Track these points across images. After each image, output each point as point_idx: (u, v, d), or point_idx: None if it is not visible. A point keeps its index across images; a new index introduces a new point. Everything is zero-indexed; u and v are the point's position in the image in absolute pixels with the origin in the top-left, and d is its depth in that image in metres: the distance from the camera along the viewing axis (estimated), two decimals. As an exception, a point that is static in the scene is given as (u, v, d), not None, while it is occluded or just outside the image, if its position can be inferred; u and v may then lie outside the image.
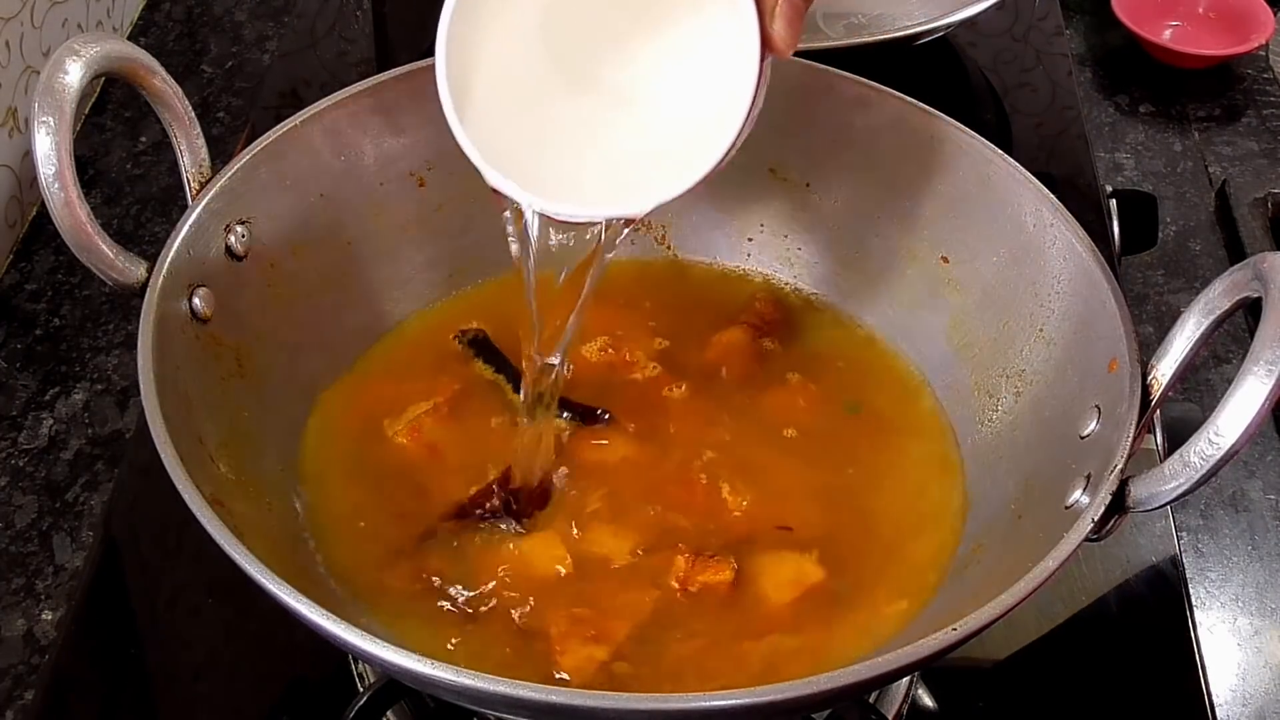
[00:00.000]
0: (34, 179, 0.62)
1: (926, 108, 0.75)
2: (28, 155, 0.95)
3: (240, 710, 0.71)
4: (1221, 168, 1.08)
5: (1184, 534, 0.82)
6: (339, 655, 0.70)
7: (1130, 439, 0.57)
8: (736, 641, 0.63)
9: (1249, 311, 0.55)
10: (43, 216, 0.98)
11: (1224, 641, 0.78)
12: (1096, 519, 0.55)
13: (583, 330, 0.69)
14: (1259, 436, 0.87)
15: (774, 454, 0.72)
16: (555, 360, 0.66)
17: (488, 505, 0.68)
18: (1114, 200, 0.99)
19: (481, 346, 0.77)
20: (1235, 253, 1.00)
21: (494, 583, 0.65)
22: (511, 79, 0.63)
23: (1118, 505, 0.56)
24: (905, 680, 0.71)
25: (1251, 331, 0.54)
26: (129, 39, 1.12)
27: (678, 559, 0.65)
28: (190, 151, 0.68)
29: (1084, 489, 0.58)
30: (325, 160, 0.74)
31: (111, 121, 1.08)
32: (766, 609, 0.65)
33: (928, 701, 0.71)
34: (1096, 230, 0.86)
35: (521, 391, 0.69)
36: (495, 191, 0.62)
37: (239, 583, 0.53)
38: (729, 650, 0.63)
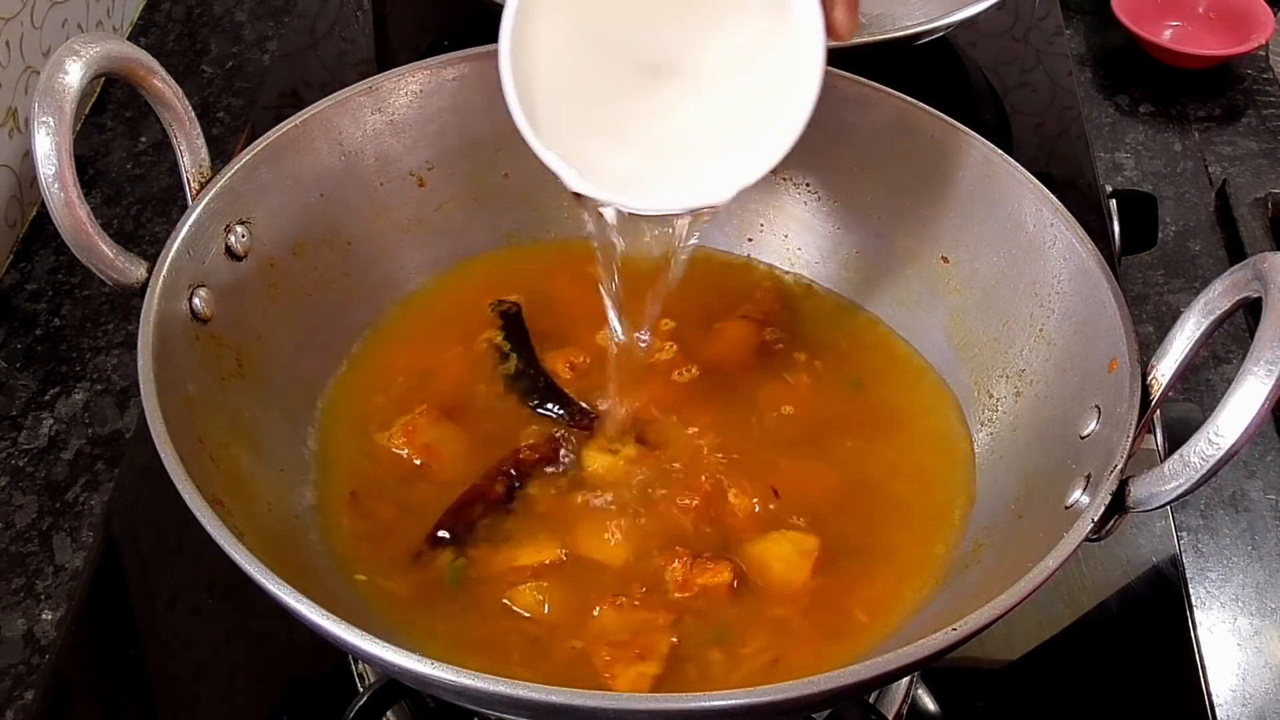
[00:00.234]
0: (34, 179, 0.62)
1: (926, 108, 0.75)
2: (28, 155, 0.95)
3: (240, 710, 0.71)
4: (1221, 168, 1.08)
5: (1184, 534, 0.82)
6: (339, 655, 0.70)
7: (1130, 439, 0.57)
8: (743, 639, 0.63)
9: (1249, 311, 0.55)
10: (43, 216, 0.98)
11: (1224, 641, 0.78)
12: (1096, 519, 0.55)
13: (594, 320, 0.73)
14: (1259, 436, 0.87)
15: (782, 446, 0.72)
16: (645, 336, 0.70)
17: (491, 496, 0.68)
18: (1114, 200, 0.99)
19: (511, 321, 0.77)
20: (1235, 253, 1.00)
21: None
22: (576, 83, 0.63)
23: (1118, 505, 0.56)
24: (905, 680, 0.71)
25: (1251, 331, 0.54)
26: (129, 39, 1.12)
27: (674, 564, 0.65)
28: (190, 151, 0.68)
29: (1084, 489, 0.58)
30: (325, 160, 0.74)
31: (111, 121, 1.08)
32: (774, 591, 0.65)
33: (928, 701, 0.71)
34: (1096, 230, 0.86)
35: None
36: (577, 195, 0.63)
37: (239, 583, 0.53)
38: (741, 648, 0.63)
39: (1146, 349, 0.60)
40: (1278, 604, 0.79)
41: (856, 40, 1.00)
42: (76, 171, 0.61)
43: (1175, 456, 0.54)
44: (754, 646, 0.63)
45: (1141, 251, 1.01)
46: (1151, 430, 0.77)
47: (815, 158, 0.79)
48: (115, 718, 0.71)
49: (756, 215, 0.81)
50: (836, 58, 0.78)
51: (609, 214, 0.65)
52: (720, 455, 0.71)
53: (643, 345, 0.71)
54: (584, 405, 0.73)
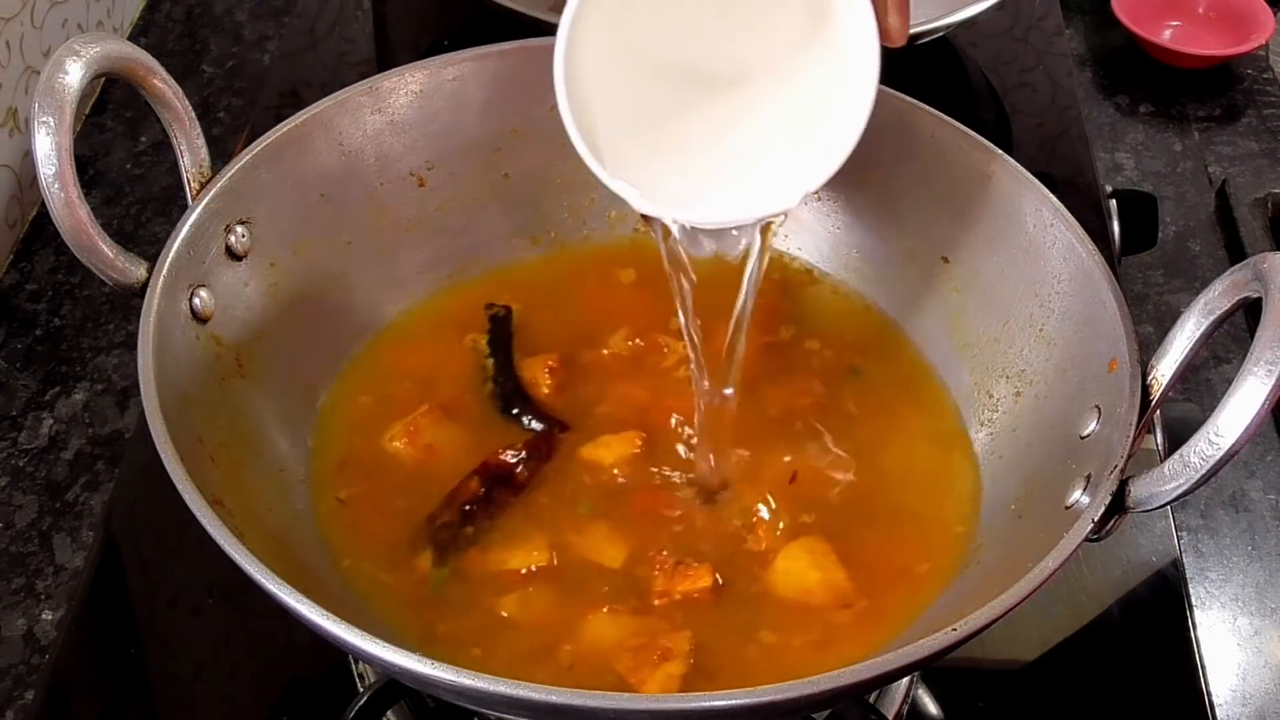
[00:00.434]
0: (34, 179, 0.62)
1: (926, 108, 0.75)
2: (28, 155, 0.95)
3: (240, 710, 0.71)
4: (1221, 168, 1.08)
5: (1184, 534, 0.82)
6: (339, 655, 0.70)
7: (1130, 439, 0.57)
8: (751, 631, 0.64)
9: (1249, 311, 0.55)
10: (43, 216, 0.98)
11: (1224, 641, 0.78)
12: (1096, 519, 0.55)
13: (607, 323, 0.75)
14: (1259, 436, 0.87)
15: (782, 446, 0.72)
16: (730, 392, 0.68)
17: (470, 498, 0.68)
18: (1114, 200, 0.99)
19: (498, 325, 0.77)
20: (1235, 253, 1.00)
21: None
22: (631, 106, 0.64)
23: (1118, 505, 0.56)
24: (905, 680, 0.71)
25: (1251, 331, 0.54)
26: (129, 39, 1.12)
27: (654, 573, 0.65)
28: (190, 151, 0.68)
29: (1084, 489, 0.58)
30: (325, 160, 0.74)
31: (111, 121, 1.08)
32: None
33: (928, 701, 0.71)
34: (1096, 230, 0.86)
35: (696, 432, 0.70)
36: (645, 218, 0.64)
37: (239, 583, 0.53)
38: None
39: (1146, 349, 0.60)
40: (1278, 604, 0.79)
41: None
42: (76, 171, 0.61)
43: (1175, 457, 0.54)
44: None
45: (1141, 251, 1.01)
46: (1151, 430, 0.77)
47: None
48: (115, 718, 0.71)
49: (756, 215, 0.81)
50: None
51: (675, 231, 0.64)
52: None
53: (727, 398, 0.68)
54: (551, 414, 0.72)
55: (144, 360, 0.60)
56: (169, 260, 0.64)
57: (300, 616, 0.51)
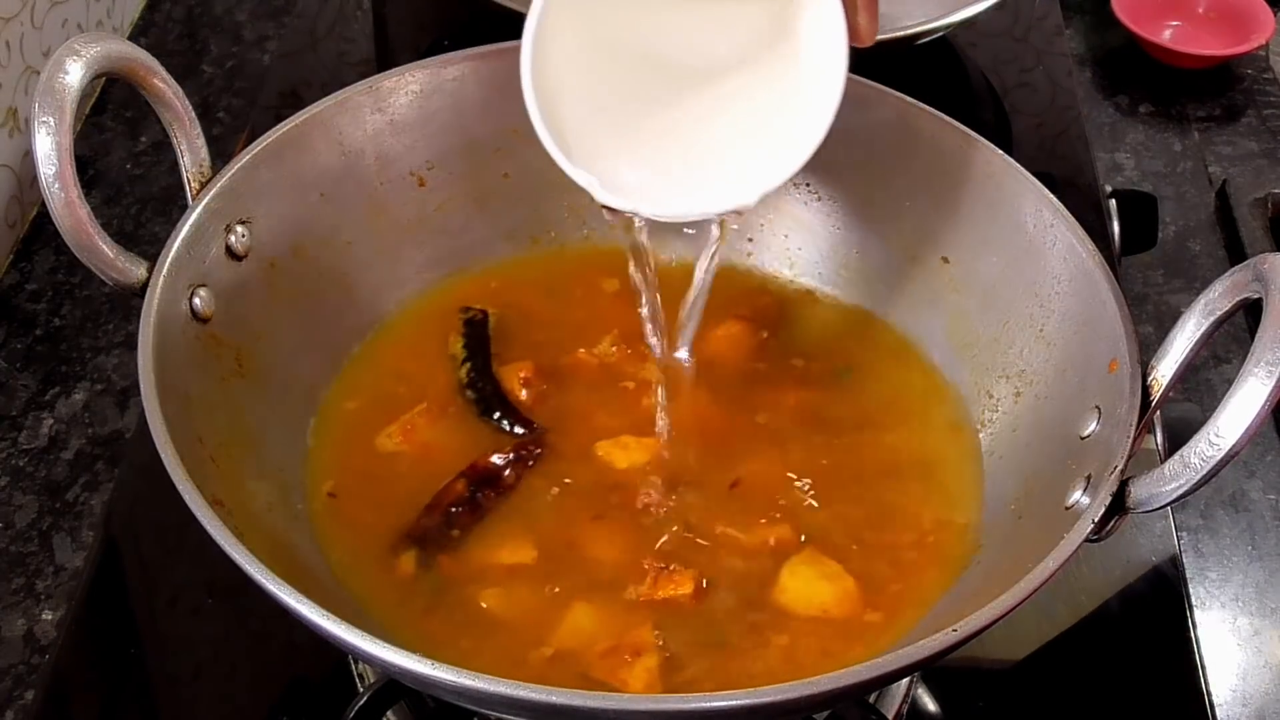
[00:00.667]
0: (34, 179, 0.62)
1: (926, 108, 0.75)
2: (28, 155, 0.95)
3: (240, 710, 0.71)
4: (1221, 168, 1.08)
5: (1184, 534, 0.82)
6: (339, 655, 0.70)
7: (1130, 439, 0.57)
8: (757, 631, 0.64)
9: (1249, 312, 0.55)
10: (43, 216, 0.98)
11: (1224, 641, 0.78)
12: (1097, 519, 0.55)
13: (594, 327, 0.75)
14: (1259, 437, 0.87)
15: (781, 446, 0.72)
16: (684, 355, 0.72)
17: (455, 500, 0.68)
18: (1114, 200, 0.99)
19: (474, 328, 0.76)
20: (1235, 253, 1.00)
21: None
22: (597, 98, 0.64)
23: (1118, 506, 0.56)
24: (905, 681, 0.71)
25: (1251, 331, 0.54)
26: (129, 39, 1.12)
27: (643, 576, 0.65)
28: (190, 151, 0.68)
29: (1084, 489, 0.58)
30: (325, 160, 0.74)
31: (111, 121, 1.08)
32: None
33: (928, 702, 0.71)
34: (1096, 230, 0.86)
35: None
36: (607, 208, 0.64)
37: (239, 583, 0.53)
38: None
39: (1146, 349, 0.60)
40: (1278, 604, 0.79)
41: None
42: (76, 171, 0.61)
43: (1175, 457, 0.54)
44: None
45: (1141, 252, 1.01)
46: (1152, 431, 0.77)
47: (815, 158, 0.78)
48: (115, 718, 0.71)
49: (756, 216, 0.81)
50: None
51: (639, 224, 0.65)
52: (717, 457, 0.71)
53: (686, 365, 0.72)
54: (528, 417, 0.72)
55: (144, 360, 0.60)
56: (169, 260, 0.64)
57: (300, 616, 0.51)
